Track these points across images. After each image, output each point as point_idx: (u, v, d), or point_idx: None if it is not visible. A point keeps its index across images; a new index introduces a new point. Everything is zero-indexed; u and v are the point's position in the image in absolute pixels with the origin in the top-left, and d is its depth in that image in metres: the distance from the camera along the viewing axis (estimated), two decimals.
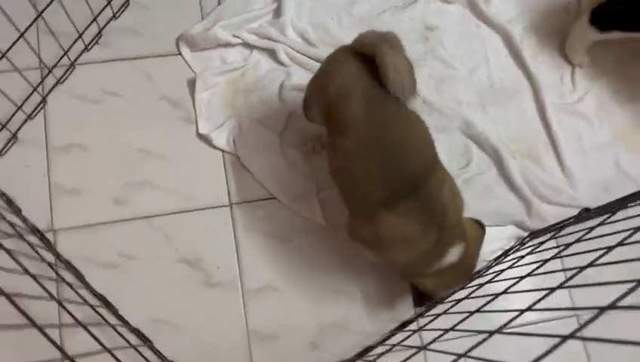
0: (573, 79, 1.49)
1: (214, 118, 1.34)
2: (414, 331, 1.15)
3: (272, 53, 1.40)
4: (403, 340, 1.12)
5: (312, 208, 1.31)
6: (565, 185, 1.39)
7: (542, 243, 1.11)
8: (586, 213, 1.12)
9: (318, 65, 1.38)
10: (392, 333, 1.24)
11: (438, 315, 1.04)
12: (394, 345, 1.11)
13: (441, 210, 0.99)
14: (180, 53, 1.38)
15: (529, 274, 0.83)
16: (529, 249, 1.15)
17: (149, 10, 1.41)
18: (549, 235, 1.19)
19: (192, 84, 1.36)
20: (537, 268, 0.86)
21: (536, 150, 1.42)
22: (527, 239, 1.33)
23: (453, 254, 1.02)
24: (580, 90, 1.49)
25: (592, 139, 1.45)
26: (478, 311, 0.82)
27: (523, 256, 1.10)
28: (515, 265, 1.07)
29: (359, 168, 0.99)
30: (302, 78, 1.38)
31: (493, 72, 1.47)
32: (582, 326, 0.52)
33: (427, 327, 1.09)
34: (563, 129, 1.43)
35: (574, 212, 1.36)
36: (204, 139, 1.33)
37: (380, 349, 1.18)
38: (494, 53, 1.49)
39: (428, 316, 1.17)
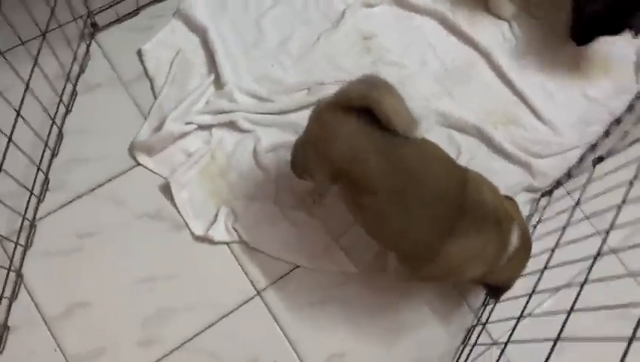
0: (513, 31, 1.52)
1: (204, 215, 1.25)
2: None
3: (231, 125, 1.31)
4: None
5: (337, 260, 1.26)
6: (550, 135, 1.42)
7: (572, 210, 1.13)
8: (598, 161, 1.14)
9: (280, 117, 1.33)
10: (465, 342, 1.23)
11: (517, 321, 1.03)
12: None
13: (491, 209, 0.98)
14: (139, 164, 1.27)
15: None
16: (562, 220, 1.17)
17: (86, 133, 1.28)
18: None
19: (165, 189, 1.25)
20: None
21: (512, 113, 1.43)
22: (543, 201, 1.36)
23: (515, 238, 1.02)
24: (522, 40, 1.51)
25: (553, 81, 1.48)
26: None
27: (564, 228, 1.11)
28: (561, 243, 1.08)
29: (402, 219, 0.95)
30: (272, 137, 1.31)
31: (441, 56, 1.46)
32: None
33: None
34: (525, 83, 1.45)
35: (570, 156, 1.40)
36: (203, 239, 1.24)
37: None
38: (435, 37, 1.48)
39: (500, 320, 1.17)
